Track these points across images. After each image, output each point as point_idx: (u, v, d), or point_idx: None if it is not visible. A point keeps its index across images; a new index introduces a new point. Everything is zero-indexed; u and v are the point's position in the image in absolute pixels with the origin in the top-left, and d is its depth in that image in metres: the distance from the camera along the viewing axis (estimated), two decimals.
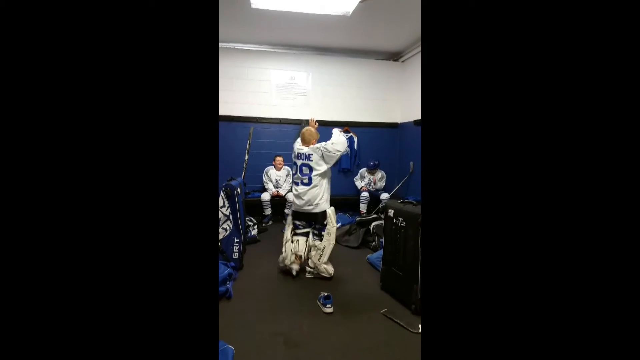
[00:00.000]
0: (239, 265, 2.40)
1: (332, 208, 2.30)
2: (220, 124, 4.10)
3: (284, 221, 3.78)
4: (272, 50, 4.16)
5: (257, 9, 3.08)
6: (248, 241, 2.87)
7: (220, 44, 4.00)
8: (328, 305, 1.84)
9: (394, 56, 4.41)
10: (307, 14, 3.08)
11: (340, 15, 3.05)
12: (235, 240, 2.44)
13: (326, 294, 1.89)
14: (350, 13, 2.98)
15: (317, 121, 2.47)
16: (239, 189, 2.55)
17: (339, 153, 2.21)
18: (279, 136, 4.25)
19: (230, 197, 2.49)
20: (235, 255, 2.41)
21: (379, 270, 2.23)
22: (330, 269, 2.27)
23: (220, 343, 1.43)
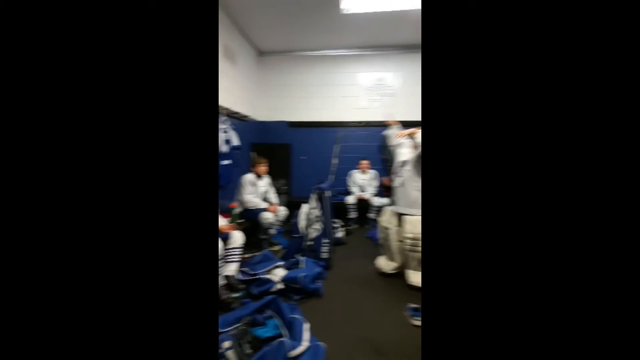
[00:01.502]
0: (328, 265, 2.52)
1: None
2: (311, 130, 4.35)
3: (366, 225, 3.79)
4: (360, 53, 4.20)
5: (347, 14, 3.16)
6: (334, 242, 2.98)
7: (312, 52, 4.25)
8: (417, 318, 1.77)
9: None
10: (397, 11, 3.01)
11: None
12: (325, 240, 2.56)
13: (415, 305, 1.82)
14: None
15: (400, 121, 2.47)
16: (328, 191, 2.68)
17: None
18: (365, 139, 4.26)
19: (320, 199, 2.63)
20: (325, 255, 2.53)
21: None
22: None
23: (313, 339, 1.53)
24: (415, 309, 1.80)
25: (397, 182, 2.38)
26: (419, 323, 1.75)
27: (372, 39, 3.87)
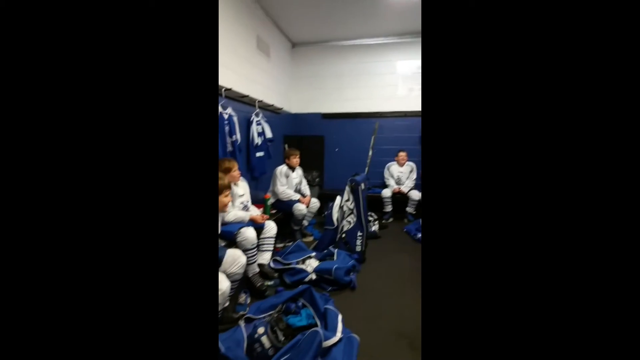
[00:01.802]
0: (361, 258, 2.45)
1: None
2: (345, 121, 4.27)
3: (405, 220, 3.64)
4: (399, 41, 4.02)
5: (385, 0, 3.03)
6: (368, 236, 2.89)
7: (348, 42, 4.15)
8: None
9: None
10: None
11: None
12: (358, 233, 2.49)
13: None
14: None
15: None
16: (363, 184, 2.59)
17: None
18: (403, 130, 4.08)
19: (354, 191, 2.55)
20: (358, 248, 2.46)
21: None
22: None
23: (346, 331, 1.48)
24: None
25: None
26: None
27: (412, 25, 3.67)
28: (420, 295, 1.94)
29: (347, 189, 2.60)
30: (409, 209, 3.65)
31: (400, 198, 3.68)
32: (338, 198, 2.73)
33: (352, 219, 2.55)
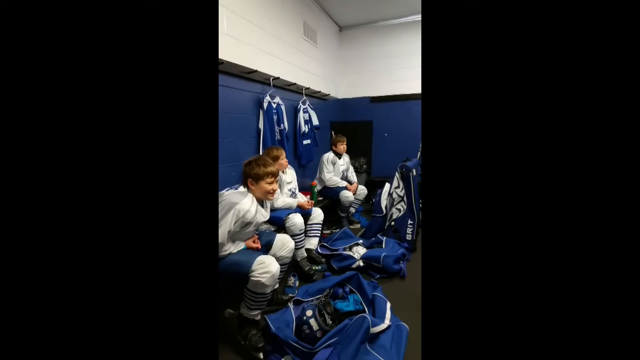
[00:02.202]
0: (412, 247, 2.35)
1: None
2: (395, 104, 4.08)
3: None
4: None
5: None
6: (420, 224, 2.76)
7: (396, 20, 3.92)
8: None
9: None
10: None
11: None
12: (409, 222, 2.39)
13: None
14: None
15: None
16: (414, 170, 2.46)
17: None
18: None
19: (405, 178, 2.44)
20: (409, 237, 2.37)
21: None
22: None
23: (395, 319, 1.44)
24: None
25: None
26: None
27: None
28: None
29: (397, 175, 2.50)
30: None
31: None
32: (387, 185, 2.64)
33: (402, 206, 2.45)
